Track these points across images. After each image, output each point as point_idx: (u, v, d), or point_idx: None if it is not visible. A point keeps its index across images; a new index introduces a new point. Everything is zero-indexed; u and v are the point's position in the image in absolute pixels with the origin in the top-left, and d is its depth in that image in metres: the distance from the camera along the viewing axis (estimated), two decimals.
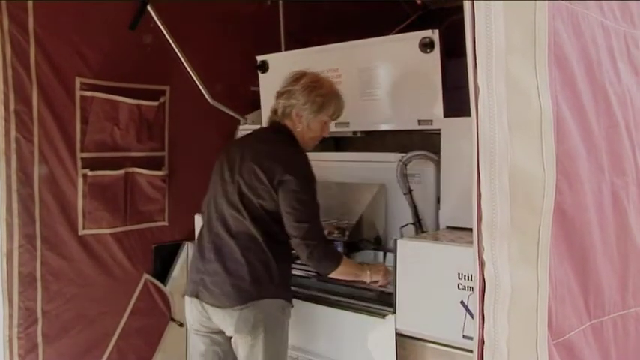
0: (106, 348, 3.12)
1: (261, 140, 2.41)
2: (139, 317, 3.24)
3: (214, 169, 2.40)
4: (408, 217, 2.56)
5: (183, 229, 3.33)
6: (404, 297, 2.15)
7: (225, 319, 2.22)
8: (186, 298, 2.35)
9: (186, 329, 3.35)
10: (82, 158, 2.95)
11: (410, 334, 2.16)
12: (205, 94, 3.21)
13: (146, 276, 3.28)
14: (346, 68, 2.68)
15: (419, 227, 2.55)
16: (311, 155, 2.33)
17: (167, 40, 3.01)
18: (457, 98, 2.27)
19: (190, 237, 3.22)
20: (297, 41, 3.17)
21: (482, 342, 1.26)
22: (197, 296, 2.28)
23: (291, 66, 2.43)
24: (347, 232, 2.56)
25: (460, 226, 2.28)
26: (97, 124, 2.98)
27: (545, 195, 1.22)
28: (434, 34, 2.39)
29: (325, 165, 2.68)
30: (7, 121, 2.68)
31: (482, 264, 1.24)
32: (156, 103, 3.19)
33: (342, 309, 2.39)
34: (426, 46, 2.40)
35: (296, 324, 2.35)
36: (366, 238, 2.65)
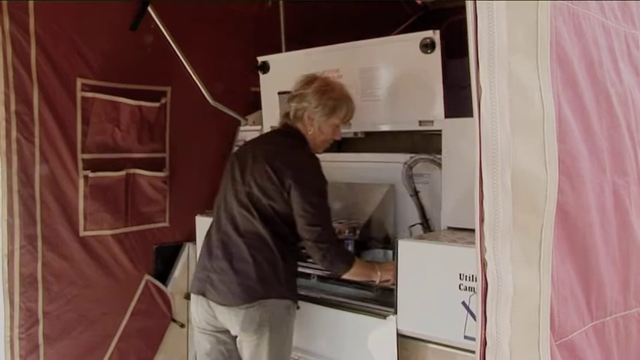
0: (107, 349, 3.12)
1: (273, 142, 2.43)
2: (140, 318, 3.23)
3: (225, 170, 2.42)
4: (417, 217, 2.59)
5: (184, 230, 3.33)
6: (405, 297, 2.15)
7: (231, 318, 2.22)
8: (192, 296, 2.35)
9: (188, 330, 3.36)
10: (83, 159, 2.95)
11: (411, 335, 2.16)
12: (206, 95, 3.22)
13: (147, 277, 3.27)
14: (347, 69, 2.68)
15: (426, 227, 2.57)
16: (321, 156, 2.34)
17: (168, 41, 3.02)
18: (458, 98, 2.27)
19: (191, 238, 3.24)
20: (297, 42, 3.16)
21: (484, 343, 1.26)
22: (204, 294, 2.28)
23: (292, 67, 2.44)
24: (357, 231, 2.57)
25: (461, 226, 2.28)
26: (98, 125, 2.98)
27: (548, 195, 1.21)
28: (435, 35, 2.40)
29: (334, 165, 2.69)
30: (7, 121, 2.68)
31: (484, 265, 1.24)
32: (157, 105, 3.19)
33: (343, 310, 2.39)
34: (427, 46, 2.40)
35: (297, 325, 2.35)
36: (375, 238, 2.66)
